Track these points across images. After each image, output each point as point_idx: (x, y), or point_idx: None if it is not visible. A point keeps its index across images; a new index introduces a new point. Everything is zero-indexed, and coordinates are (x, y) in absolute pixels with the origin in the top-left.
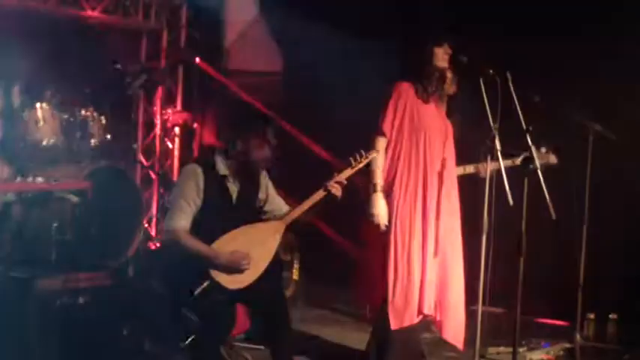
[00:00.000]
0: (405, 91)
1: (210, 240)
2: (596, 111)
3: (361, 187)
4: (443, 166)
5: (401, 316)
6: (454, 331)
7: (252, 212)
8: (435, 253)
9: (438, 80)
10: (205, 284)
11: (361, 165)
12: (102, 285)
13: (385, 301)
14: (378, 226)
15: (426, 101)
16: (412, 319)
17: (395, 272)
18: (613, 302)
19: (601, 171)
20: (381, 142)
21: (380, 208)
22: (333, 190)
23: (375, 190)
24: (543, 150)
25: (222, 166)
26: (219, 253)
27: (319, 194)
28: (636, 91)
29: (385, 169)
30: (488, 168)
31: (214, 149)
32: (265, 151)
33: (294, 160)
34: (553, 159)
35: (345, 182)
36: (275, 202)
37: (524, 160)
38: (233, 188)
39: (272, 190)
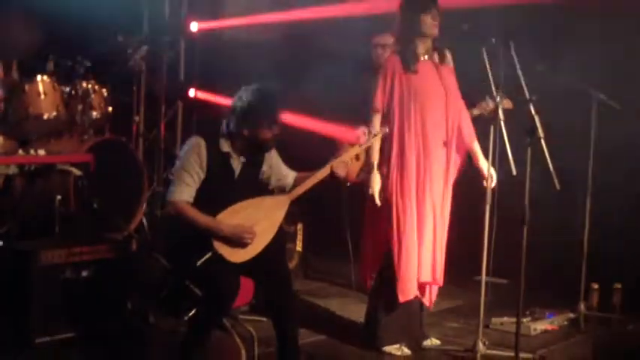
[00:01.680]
0: (392, 64)
1: (212, 213)
2: (601, 78)
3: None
4: (447, 132)
5: (407, 289)
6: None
7: (255, 186)
8: (434, 222)
9: (429, 48)
10: (208, 255)
11: (369, 143)
12: (105, 258)
13: (382, 273)
14: (374, 202)
15: (414, 70)
16: (412, 291)
17: (399, 246)
18: (617, 272)
19: (605, 138)
20: (376, 118)
21: (375, 186)
22: (338, 170)
23: (372, 169)
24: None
25: (224, 144)
26: (223, 224)
27: (324, 172)
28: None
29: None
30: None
31: (220, 125)
32: (273, 131)
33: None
34: (508, 103)
35: (350, 161)
36: (280, 171)
37: (529, 131)
38: (236, 163)
39: (276, 160)
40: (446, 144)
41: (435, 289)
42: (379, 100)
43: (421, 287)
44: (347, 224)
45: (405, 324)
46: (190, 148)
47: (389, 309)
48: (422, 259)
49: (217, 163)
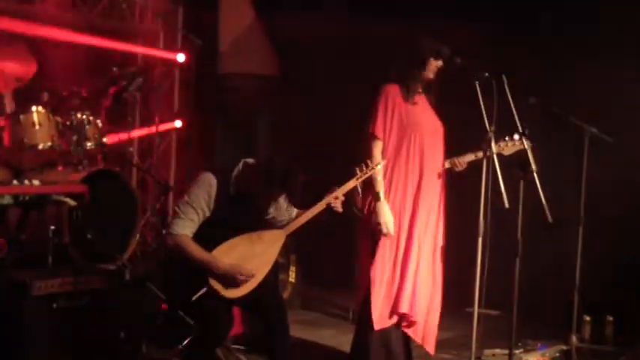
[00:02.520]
0: (392, 92)
1: (210, 248)
2: (594, 113)
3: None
4: (437, 166)
5: (384, 317)
6: (425, 334)
7: (258, 226)
8: (419, 254)
9: (424, 87)
10: (203, 290)
11: (365, 176)
12: (99, 288)
13: (365, 302)
14: (380, 232)
15: (412, 102)
16: (393, 319)
17: (381, 273)
18: (609, 304)
19: (597, 173)
20: (377, 146)
21: (386, 216)
22: (335, 204)
23: (378, 199)
24: (516, 137)
25: (235, 191)
26: (219, 262)
27: (320, 206)
28: (631, 91)
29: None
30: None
31: (234, 170)
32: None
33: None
34: (526, 144)
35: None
36: (285, 211)
37: (521, 165)
38: (242, 209)
39: (282, 201)
40: (440, 176)
41: (431, 331)
42: (380, 129)
43: (407, 321)
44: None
45: (389, 354)
46: (201, 185)
47: (372, 338)
48: (402, 290)
49: (224, 206)
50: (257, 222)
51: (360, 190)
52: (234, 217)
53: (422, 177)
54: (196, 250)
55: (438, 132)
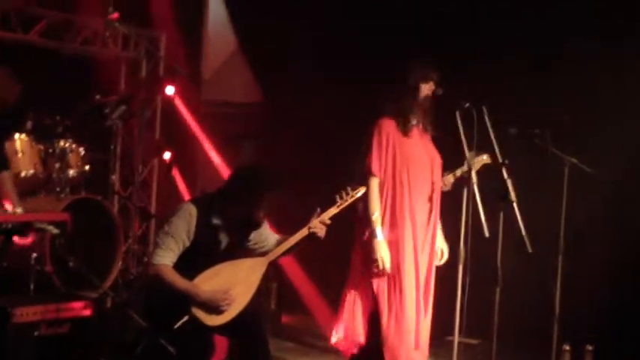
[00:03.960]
0: (387, 126)
1: (191, 276)
2: (573, 141)
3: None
4: (431, 198)
5: (397, 355)
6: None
7: (239, 254)
8: (426, 287)
9: (421, 114)
10: (185, 319)
11: (347, 203)
12: (80, 316)
13: (373, 340)
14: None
15: (407, 135)
16: (408, 356)
17: (389, 311)
18: (589, 333)
19: (577, 203)
20: (374, 183)
21: (383, 253)
22: (317, 231)
23: (375, 236)
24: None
25: (215, 218)
26: (201, 290)
27: (302, 233)
28: (613, 120)
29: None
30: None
31: (214, 196)
32: (266, 212)
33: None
34: (487, 159)
35: (329, 222)
36: (264, 237)
37: (501, 196)
38: (223, 236)
39: (264, 227)
40: (430, 211)
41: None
42: (376, 165)
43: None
44: None
45: None
46: (181, 215)
47: None
48: (420, 326)
49: (205, 235)
50: (238, 249)
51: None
52: (216, 245)
53: (414, 210)
54: (177, 280)
55: (428, 163)
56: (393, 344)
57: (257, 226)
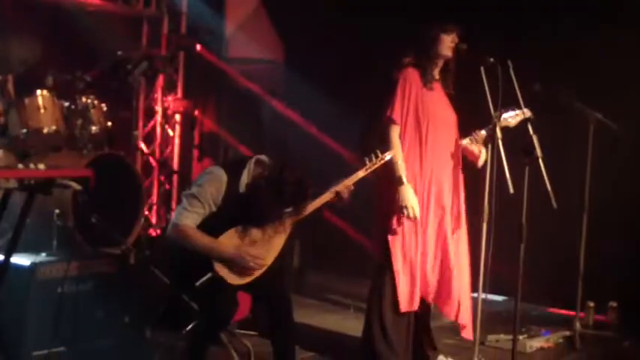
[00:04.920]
0: (411, 76)
1: (219, 226)
2: (598, 99)
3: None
4: (454, 155)
5: (409, 300)
6: (462, 317)
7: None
8: (442, 242)
9: (442, 68)
10: (207, 276)
11: (375, 166)
12: (103, 272)
13: (377, 288)
14: (406, 214)
15: (430, 88)
16: (417, 304)
17: (404, 259)
18: (613, 290)
19: (601, 159)
20: (395, 131)
21: (410, 200)
22: (343, 195)
23: (401, 183)
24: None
25: (244, 183)
26: (224, 247)
27: (327, 196)
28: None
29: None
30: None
31: (247, 159)
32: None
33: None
34: (527, 112)
35: (352, 187)
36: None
37: (527, 152)
38: (248, 210)
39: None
40: (455, 165)
41: (465, 315)
42: (398, 113)
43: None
44: None
45: (404, 339)
46: (212, 180)
47: (386, 323)
48: (425, 273)
49: (231, 204)
50: (262, 222)
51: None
52: (238, 216)
53: (433, 163)
54: (200, 238)
55: (450, 121)
56: (405, 290)
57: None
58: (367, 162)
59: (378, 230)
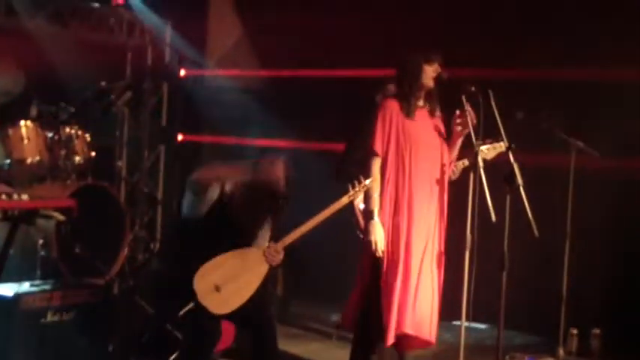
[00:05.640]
0: (390, 107)
1: (201, 255)
2: (579, 125)
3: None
4: (440, 181)
5: (388, 337)
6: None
7: (248, 238)
8: (420, 273)
9: (425, 97)
10: (190, 306)
11: (359, 192)
12: (87, 302)
13: (364, 320)
14: (371, 251)
15: (411, 117)
16: (402, 329)
17: (389, 293)
18: (596, 317)
19: (584, 186)
20: (376, 163)
21: (377, 235)
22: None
23: (371, 217)
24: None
25: (228, 191)
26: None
27: (312, 223)
28: (620, 102)
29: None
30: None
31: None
32: (274, 186)
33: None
34: (503, 145)
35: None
36: (263, 232)
37: (505, 177)
38: (236, 216)
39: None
40: (440, 193)
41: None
42: (379, 144)
43: (407, 338)
44: None
45: None
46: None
47: (372, 355)
48: (405, 310)
49: (218, 210)
50: (249, 234)
51: (360, 212)
52: (227, 227)
53: (414, 194)
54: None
55: (435, 147)
56: (386, 325)
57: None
58: (350, 189)
59: (366, 263)
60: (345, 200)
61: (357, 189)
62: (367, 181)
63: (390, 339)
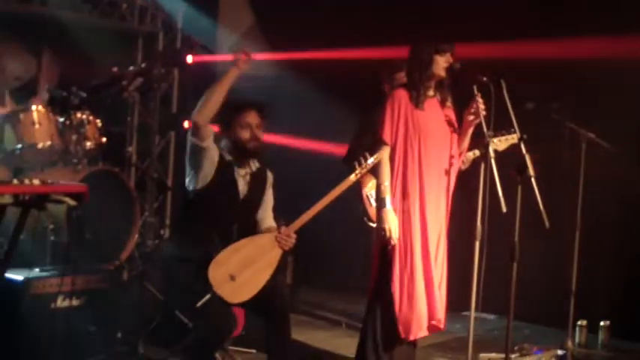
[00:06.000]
0: (399, 97)
1: (215, 228)
2: (590, 117)
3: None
4: (448, 172)
5: (409, 327)
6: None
7: (255, 211)
8: (436, 259)
9: (436, 87)
10: (207, 297)
11: (365, 170)
12: (97, 288)
13: (372, 312)
14: (385, 239)
15: (420, 107)
16: (420, 329)
17: (400, 283)
18: (605, 309)
19: (594, 177)
20: (385, 152)
21: (390, 223)
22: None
23: (383, 205)
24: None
25: (226, 153)
26: None
27: (320, 205)
28: (631, 97)
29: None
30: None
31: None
32: (246, 133)
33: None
34: (516, 137)
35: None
36: (266, 210)
37: (516, 168)
38: (241, 181)
39: (269, 196)
40: (447, 183)
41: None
42: (387, 134)
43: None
44: None
45: None
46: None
47: (380, 347)
48: (434, 301)
49: (223, 172)
50: (257, 200)
51: (372, 200)
52: (235, 188)
53: (425, 183)
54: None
55: (444, 137)
56: (405, 316)
57: (249, 152)
58: (357, 167)
59: (376, 252)
60: (352, 179)
61: (363, 166)
62: (373, 158)
63: (414, 332)
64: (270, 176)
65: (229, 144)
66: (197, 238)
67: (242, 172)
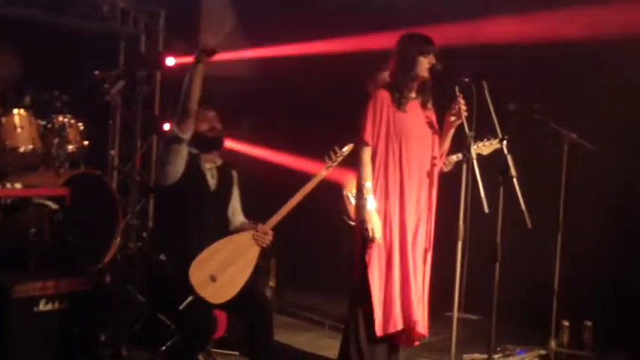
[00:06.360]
0: (382, 98)
1: (186, 225)
2: (573, 117)
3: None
4: (430, 174)
5: (385, 323)
6: (423, 323)
7: (226, 205)
8: (414, 260)
9: (418, 89)
10: (190, 299)
11: (336, 163)
12: (79, 291)
13: (353, 311)
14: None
15: (402, 109)
16: (396, 326)
17: (379, 281)
18: (588, 309)
19: (576, 178)
20: (367, 152)
21: (374, 223)
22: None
23: (367, 206)
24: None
25: (192, 148)
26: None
27: (295, 200)
28: (615, 97)
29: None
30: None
31: None
32: (204, 124)
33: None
34: (497, 143)
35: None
36: (235, 206)
37: (501, 172)
38: (209, 175)
39: (236, 194)
40: (429, 185)
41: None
42: (369, 134)
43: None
44: None
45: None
46: None
47: (362, 347)
48: (411, 299)
49: (191, 167)
50: (225, 194)
51: (352, 199)
52: (204, 182)
53: (405, 184)
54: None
55: (426, 139)
56: (382, 315)
57: (212, 144)
58: (327, 160)
59: (357, 252)
60: (323, 173)
61: (333, 159)
62: (344, 149)
63: (386, 328)
64: (234, 174)
65: (192, 138)
66: (176, 237)
67: (208, 165)
